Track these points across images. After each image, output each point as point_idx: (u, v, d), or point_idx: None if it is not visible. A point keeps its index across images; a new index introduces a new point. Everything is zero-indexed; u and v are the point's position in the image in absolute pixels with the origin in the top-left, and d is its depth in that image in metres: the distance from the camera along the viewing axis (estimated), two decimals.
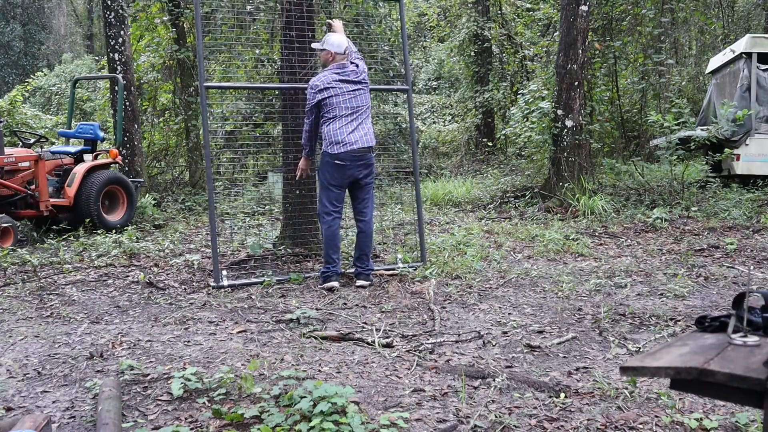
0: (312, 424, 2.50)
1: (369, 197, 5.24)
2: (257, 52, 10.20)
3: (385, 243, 6.98)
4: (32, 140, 8.20)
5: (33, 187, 7.46)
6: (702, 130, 9.25)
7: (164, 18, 11.38)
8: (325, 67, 5.13)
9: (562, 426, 2.64)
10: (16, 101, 12.72)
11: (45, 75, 22.45)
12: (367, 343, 3.76)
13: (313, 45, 5.31)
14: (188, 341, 3.80)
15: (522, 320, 4.18)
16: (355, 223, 5.34)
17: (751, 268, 5.44)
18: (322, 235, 5.18)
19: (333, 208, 5.08)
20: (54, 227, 7.53)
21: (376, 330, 4.00)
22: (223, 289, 5.14)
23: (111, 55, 9.77)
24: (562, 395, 2.94)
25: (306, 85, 5.97)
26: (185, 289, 5.21)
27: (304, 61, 5.97)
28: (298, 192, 6.13)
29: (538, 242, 6.79)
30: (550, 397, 2.94)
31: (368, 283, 5.19)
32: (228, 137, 11.20)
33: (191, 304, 4.74)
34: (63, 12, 31.99)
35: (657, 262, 5.78)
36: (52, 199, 7.54)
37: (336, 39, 5.04)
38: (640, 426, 2.62)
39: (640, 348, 3.59)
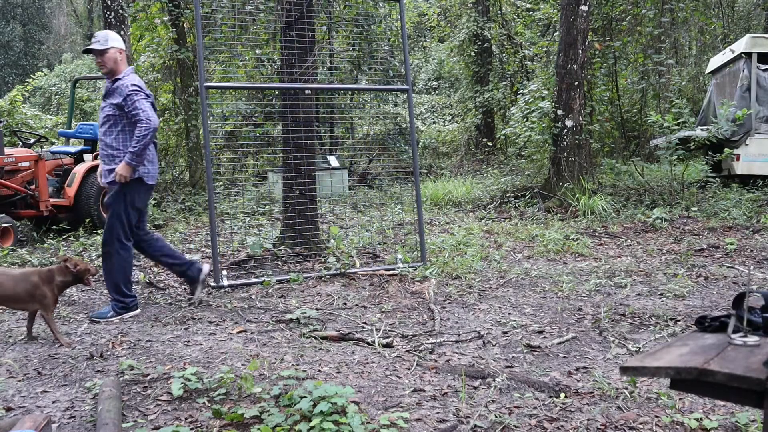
0: (312, 424, 2.50)
1: None
2: (257, 52, 10.20)
3: (385, 243, 6.98)
4: (32, 140, 8.20)
5: (33, 187, 7.46)
6: (702, 130, 9.25)
7: (164, 18, 11.38)
8: (113, 73, 4.36)
9: (562, 426, 2.64)
10: (16, 101, 12.72)
11: (45, 75, 22.44)
12: (367, 343, 3.76)
13: (92, 46, 4.34)
14: (188, 341, 3.80)
15: (522, 320, 4.18)
16: (149, 239, 4.68)
17: (751, 268, 5.44)
18: (118, 264, 4.39)
19: (131, 234, 4.49)
20: (54, 227, 7.53)
21: (376, 330, 4.00)
22: (223, 289, 5.14)
23: None
24: (562, 395, 2.94)
25: (305, 86, 5.96)
26: (185, 289, 5.21)
27: (303, 61, 5.97)
28: (298, 192, 6.13)
29: (538, 242, 6.79)
30: (550, 397, 2.94)
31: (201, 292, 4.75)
32: (228, 137, 11.21)
33: (191, 304, 4.74)
34: (63, 12, 32.00)
35: (657, 262, 5.78)
36: (52, 199, 7.54)
37: (112, 33, 4.44)
38: (640, 426, 2.62)
39: (640, 348, 3.59)
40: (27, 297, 3.71)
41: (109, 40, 4.34)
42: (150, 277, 5.45)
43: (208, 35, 9.37)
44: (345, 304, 4.71)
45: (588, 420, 2.69)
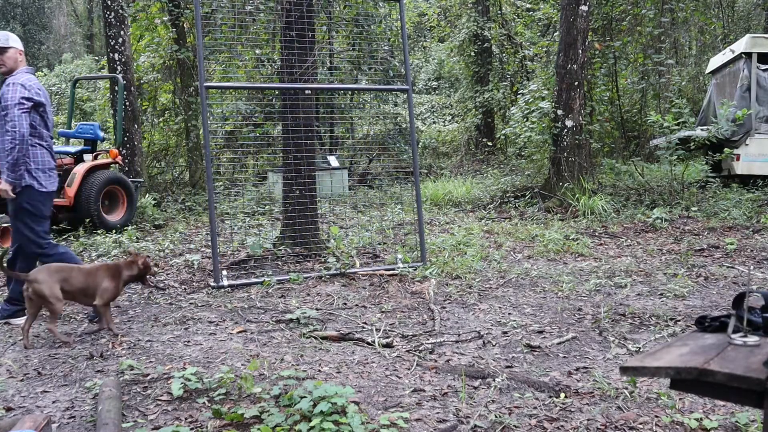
0: (312, 424, 2.50)
1: None
2: (257, 52, 10.21)
3: (385, 243, 6.98)
4: None
5: None
6: (702, 130, 9.25)
7: (164, 18, 11.39)
8: (10, 73, 4.21)
9: (562, 426, 2.64)
10: None
11: (45, 75, 22.43)
12: (367, 343, 3.76)
13: None
14: (188, 341, 3.80)
15: (522, 320, 4.18)
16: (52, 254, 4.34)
17: (751, 268, 5.44)
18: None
19: (48, 236, 4.34)
20: (54, 227, 7.53)
21: (376, 330, 4.00)
22: (223, 289, 5.14)
23: (111, 55, 9.77)
24: (562, 395, 2.94)
25: (305, 86, 5.94)
26: (185, 289, 5.21)
27: (303, 61, 5.97)
28: (298, 192, 6.13)
29: (538, 242, 6.79)
30: (550, 397, 2.94)
31: None
32: (228, 137, 11.21)
33: (191, 304, 4.74)
34: (63, 12, 31.99)
35: (657, 262, 5.78)
36: None
37: (12, 34, 4.32)
38: (640, 426, 2.62)
39: (640, 348, 3.59)
40: (94, 291, 3.85)
41: (10, 39, 4.24)
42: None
43: (208, 35, 9.37)
44: (345, 304, 4.71)
45: (588, 420, 2.69)
